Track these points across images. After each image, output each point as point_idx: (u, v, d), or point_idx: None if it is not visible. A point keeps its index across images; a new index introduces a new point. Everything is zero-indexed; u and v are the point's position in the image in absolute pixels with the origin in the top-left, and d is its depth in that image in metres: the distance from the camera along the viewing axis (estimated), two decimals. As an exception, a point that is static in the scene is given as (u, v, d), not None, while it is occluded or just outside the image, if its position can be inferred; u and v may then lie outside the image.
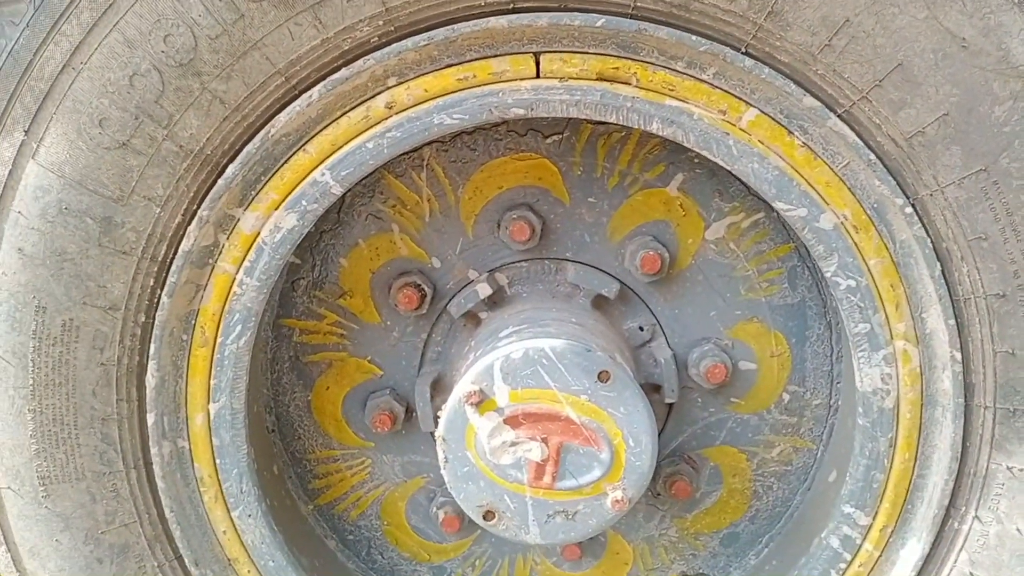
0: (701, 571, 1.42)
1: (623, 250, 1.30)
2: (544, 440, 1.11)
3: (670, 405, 1.35)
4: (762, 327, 1.32)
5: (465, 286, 1.31)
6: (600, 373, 1.09)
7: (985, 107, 1.00)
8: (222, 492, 1.21)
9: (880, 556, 1.19)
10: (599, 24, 1.02)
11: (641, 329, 1.33)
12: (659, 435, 1.36)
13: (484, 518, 1.14)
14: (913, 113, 1.02)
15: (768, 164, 1.07)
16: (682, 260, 1.31)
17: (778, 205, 1.09)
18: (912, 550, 1.17)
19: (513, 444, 1.11)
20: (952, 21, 0.98)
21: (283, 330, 1.36)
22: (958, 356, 1.10)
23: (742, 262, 1.29)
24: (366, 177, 1.14)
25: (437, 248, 1.31)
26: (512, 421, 1.10)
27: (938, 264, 1.08)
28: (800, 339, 1.32)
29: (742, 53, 1.03)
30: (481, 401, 1.10)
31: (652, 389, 1.33)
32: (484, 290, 1.28)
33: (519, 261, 1.31)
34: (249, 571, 1.24)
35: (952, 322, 1.09)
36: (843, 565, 1.19)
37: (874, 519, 1.18)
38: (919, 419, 1.14)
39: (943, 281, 1.09)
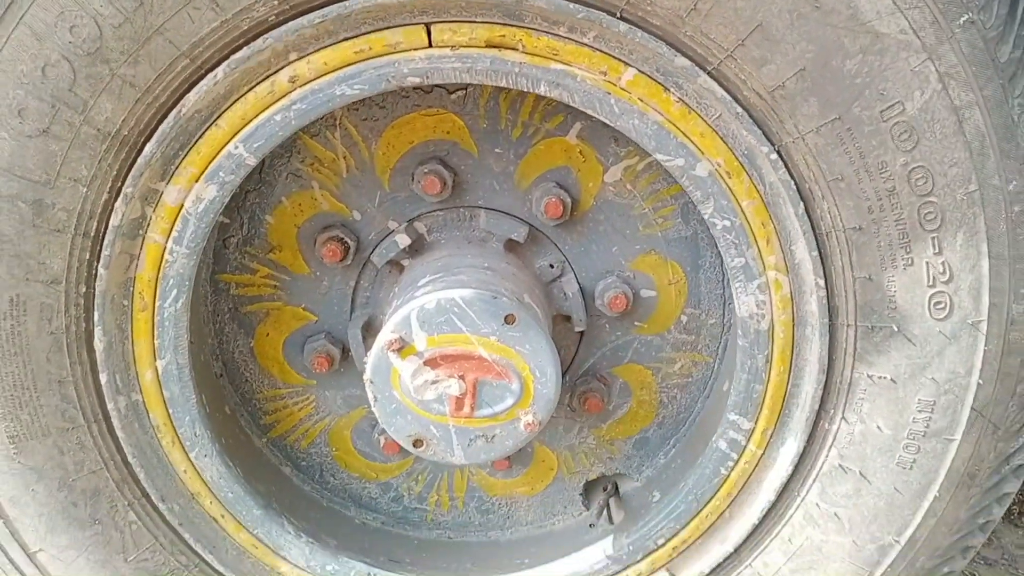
0: (618, 471, 1.60)
1: (530, 196, 1.40)
2: (461, 377, 1.24)
3: (581, 332, 1.49)
4: (659, 259, 1.45)
5: (386, 236, 1.41)
6: (506, 316, 1.21)
7: (838, 61, 1.10)
8: (178, 437, 1.34)
9: (762, 454, 1.37)
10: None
11: (551, 267, 1.44)
12: (573, 358, 1.53)
13: (414, 446, 1.29)
14: (774, 69, 1.12)
15: (647, 119, 1.17)
16: (584, 202, 1.42)
17: (658, 156, 1.20)
18: (789, 448, 1.34)
19: (434, 382, 1.24)
20: (804, -16, 1.06)
21: (220, 285, 1.46)
22: (822, 283, 1.24)
23: (639, 201, 1.41)
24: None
25: (356, 202, 1.41)
26: (431, 363, 1.23)
27: (802, 203, 1.20)
28: (694, 268, 1.45)
29: (617, 18, 1.11)
30: (402, 347, 1.22)
31: (563, 319, 1.46)
32: (403, 240, 1.39)
33: (435, 211, 1.41)
34: (211, 502, 1.39)
35: (816, 254, 1.22)
36: (731, 463, 1.37)
37: (756, 424, 1.35)
38: (791, 338, 1.29)
39: (807, 218, 1.21)
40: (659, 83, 1.15)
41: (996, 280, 1.20)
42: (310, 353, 1.46)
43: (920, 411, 1.28)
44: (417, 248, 1.42)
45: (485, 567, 1.55)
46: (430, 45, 1.13)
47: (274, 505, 1.44)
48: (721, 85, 1.14)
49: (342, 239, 1.39)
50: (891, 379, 1.27)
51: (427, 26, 1.12)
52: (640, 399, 1.56)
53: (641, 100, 1.16)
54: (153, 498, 1.35)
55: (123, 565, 1.37)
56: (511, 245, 1.41)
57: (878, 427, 1.30)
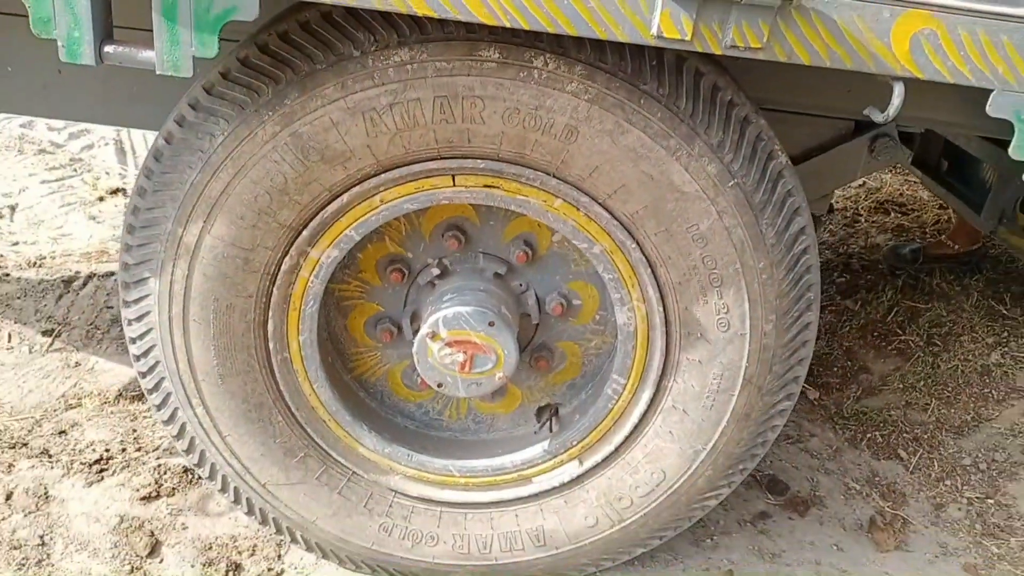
0: (557, 402, 2.67)
1: (510, 247, 2.42)
2: (465, 351, 2.30)
3: (537, 323, 2.53)
4: (583, 283, 2.47)
5: (425, 267, 2.44)
6: (489, 322, 2.26)
7: (663, 203, 2.11)
8: (308, 376, 2.41)
9: (631, 398, 2.43)
10: (481, 166, 2.10)
11: (520, 286, 2.48)
12: (532, 336, 2.58)
13: (438, 386, 2.36)
14: (632, 205, 2.13)
15: (567, 224, 2.18)
16: (542, 251, 2.44)
17: (575, 242, 2.21)
18: (646, 395, 2.40)
19: (451, 354, 2.30)
20: (645, 168, 2.06)
21: (330, 288, 2.50)
22: (662, 309, 2.27)
23: (572, 253, 2.43)
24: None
25: (410, 247, 2.44)
26: (449, 344, 2.29)
27: (650, 268, 2.22)
28: (602, 287, 2.48)
29: (551, 176, 2.11)
30: (434, 336, 2.28)
31: (527, 316, 2.51)
32: (435, 271, 2.42)
33: (456, 253, 2.44)
34: (323, 412, 2.47)
35: (658, 294, 2.25)
36: (613, 402, 2.43)
37: (627, 380, 2.40)
38: (647, 336, 2.33)
39: (654, 276, 2.23)
40: (573, 206, 2.16)
41: (753, 312, 2.23)
42: (379, 330, 2.52)
43: (714, 379, 2.33)
44: (444, 274, 2.45)
45: (475, 453, 2.64)
46: (454, 185, 2.14)
47: (357, 414, 2.53)
48: (606, 210, 2.14)
49: (401, 269, 2.43)
50: (699, 360, 2.32)
51: (453, 176, 2.13)
52: (571, 361, 2.62)
53: (564, 214, 2.17)
54: (292, 409, 2.44)
55: (274, 445, 2.47)
56: (498, 275, 2.44)
57: (692, 385, 2.36)
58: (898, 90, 1.81)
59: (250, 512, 2.63)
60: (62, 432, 3.34)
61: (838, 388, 3.92)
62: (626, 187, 2.09)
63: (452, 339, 2.28)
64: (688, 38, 1.74)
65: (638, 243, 2.18)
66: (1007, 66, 1.75)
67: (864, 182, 5.19)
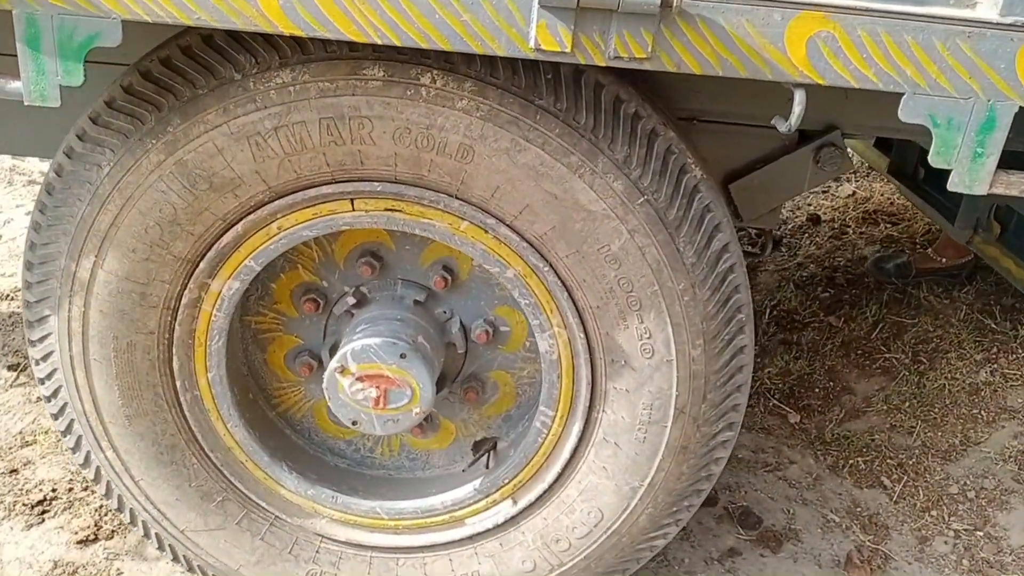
0: (494, 435, 2.54)
1: (429, 273, 2.31)
2: (378, 386, 2.18)
3: (465, 353, 2.41)
4: (510, 308, 2.35)
5: (342, 296, 2.34)
6: (401, 354, 2.14)
7: (571, 223, 1.98)
8: (220, 415, 2.31)
9: (561, 431, 2.29)
10: (379, 189, 1.99)
11: (444, 312, 2.36)
12: (462, 366, 2.45)
13: (352, 424, 2.24)
14: (540, 226, 2.00)
15: (476, 247, 2.06)
16: (463, 276, 2.32)
17: (486, 266, 2.10)
18: (575, 428, 2.26)
19: (362, 389, 2.18)
20: (548, 187, 1.94)
21: (246, 321, 2.41)
22: (582, 335, 2.13)
23: (495, 277, 2.31)
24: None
25: (325, 275, 2.33)
26: (361, 379, 2.17)
27: (567, 291, 2.09)
28: (528, 316, 2.36)
29: (453, 197, 2.00)
30: (343, 370, 2.16)
31: (452, 346, 2.38)
32: (350, 301, 2.31)
33: (373, 280, 2.33)
34: (240, 453, 2.37)
35: (577, 319, 2.11)
36: (543, 436, 2.29)
37: (556, 412, 2.27)
38: (572, 364, 2.19)
39: (571, 300, 2.10)
40: (481, 228, 2.04)
41: (678, 337, 2.09)
42: (298, 364, 2.41)
43: (644, 409, 2.18)
44: (362, 303, 2.35)
45: (408, 493, 2.51)
46: (354, 210, 2.04)
47: (279, 453, 2.42)
48: (514, 231, 2.02)
49: (315, 299, 2.32)
50: (626, 390, 2.17)
51: (351, 200, 2.03)
52: (505, 392, 2.49)
53: (472, 237, 2.06)
54: (206, 450, 2.34)
55: (190, 489, 2.37)
56: (418, 302, 2.33)
57: (623, 417, 2.21)
58: (799, 98, 1.68)
59: (175, 559, 2.53)
60: (13, 471, 3.27)
61: (820, 410, 3.74)
62: (531, 207, 1.97)
63: (363, 373, 2.17)
64: (568, 50, 1.63)
65: (551, 266, 2.05)
66: (915, 68, 1.61)
67: (854, 192, 5.01)
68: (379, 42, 1.66)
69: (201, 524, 2.39)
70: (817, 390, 3.81)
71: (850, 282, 4.29)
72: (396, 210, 2.04)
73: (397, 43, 1.66)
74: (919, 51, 1.60)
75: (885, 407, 3.64)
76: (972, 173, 1.71)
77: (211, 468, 2.36)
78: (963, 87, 1.64)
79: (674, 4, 1.54)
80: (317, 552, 2.45)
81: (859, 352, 3.90)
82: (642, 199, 1.95)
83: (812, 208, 4.98)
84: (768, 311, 4.24)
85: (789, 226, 4.87)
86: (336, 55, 1.84)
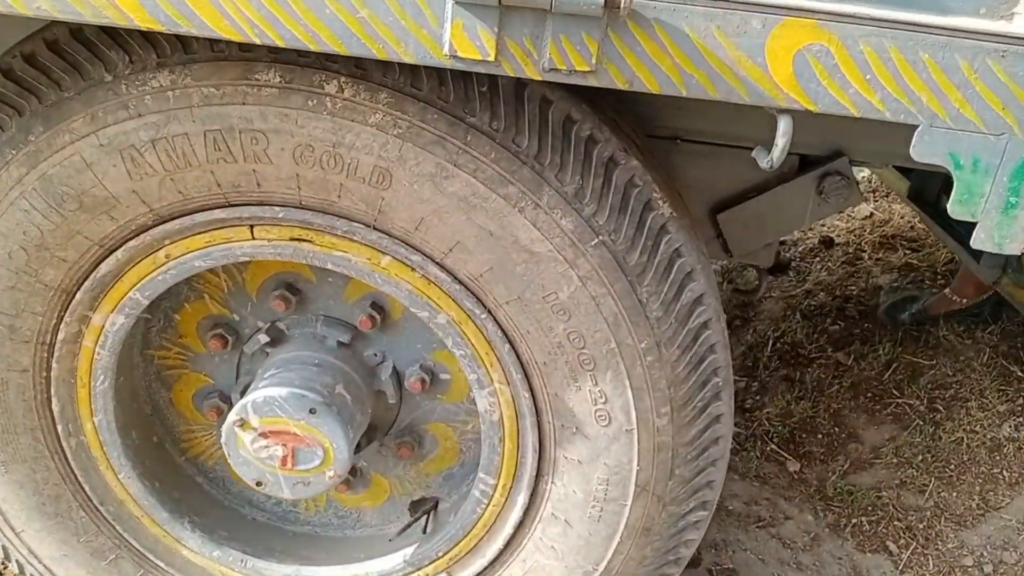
0: (435, 495, 2.21)
1: (354, 310, 1.98)
2: (284, 444, 1.86)
3: (398, 403, 2.08)
4: (449, 354, 2.02)
5: (256, 332, 2.02)
6: (311, 409, 1.81)
7: (511, 266, 1.64)
8: (110, 464, 2.00)
9: (504, 501, 1.95)
10: (281, 215, 1.66)
11: (375, 355, 2.03)
12: (396, 417, 2.12)
13: (257, 485, 1.92)
14: (474, 266, 1.66)
15: (402, 287, 1.73)
16: (395, 314, 1.99)
17: (413, 310, 1.76)
18: (520, 500, 1.92)
19: (266, 447, 1.86)
20: (482, 221, 1.60)
21: (148, 356, 2.09)
22: (528, 395, 1.80)
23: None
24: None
25: (236, 309, 2.01)
26: (264, 435, 1.85)
27: (509, 343, 1.75)
28: (471, 364, 2.02)
29: (372, 228, 1.66)
30: (244, 424, 1.84)
31: (382, 394, 2.05)
32: (263, 338, 1.99)
33: (291, 315, 2.00)
34: (134, 506, 2.05)
35: (521, 376, 1.78)
36: (483, 506, 1.96)
37: (498, 481, 1.93)
38: (516, 427, 1.86)
39: (515, 353, 1.76)
40: (406, 265, 1.71)
41: (639, 403, 1.74)
42: (207, 406, 2.09)
43: (599, 484, 1.84)
44: (278, 340, 2.02)
45: (334, 556, 2.19)
46: (253, 238, 1.72)
47: (183, 507, 2.11)
48: (445, 271, 1.69)
49: (223, 335, 2.00)
50: (579, 460, 1.83)
51: (250, 227, 1.70)
52: (446, 447, 2.16)
53: (396, 275, 1.72)
54: (95, 502, 2.03)
55: (77, 544, 2.06)
56: (343, 343, 2.00)
57: (574, 491, 1.87)
58: (783, 127, 1.33)
59: (68, 616, 2.22)
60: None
61: (822, 459, 3.37)
62: (463, 245, 1.64)
63: (266, 429, 1.85)
64: (491, 58, 1.29)
65: (490, 313, 1.72)
66: (933, 94, 1.25)
67: (871, 213, 4.62)
68: (257, 41, 1.33)
69: (91, 585, 2.09)
70: (820, 436, 3.44)
71: (863, 314, 3.91)
72: (304, 240, 1.71)
73: (279, 44, 1.33)
74: (938, 73, 1.24)
75: (895, 460, 3.26)
76: (1003, 228, 1.35)
77: (102, 522, 2.05)
78: (995, 121, 1.28)
79: (622, 4, 1.19)
80: (224, 622, 2.13)
81: (869, 395, 3.52)
82: (596, 240, 1.61)
83: (825, 230, 4.59)
84: (771, 343, 3.87)
85: (799, 248, 4.49)
86: (224, 55, 1.51)
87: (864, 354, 3.68)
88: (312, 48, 1.33)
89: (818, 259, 4.40)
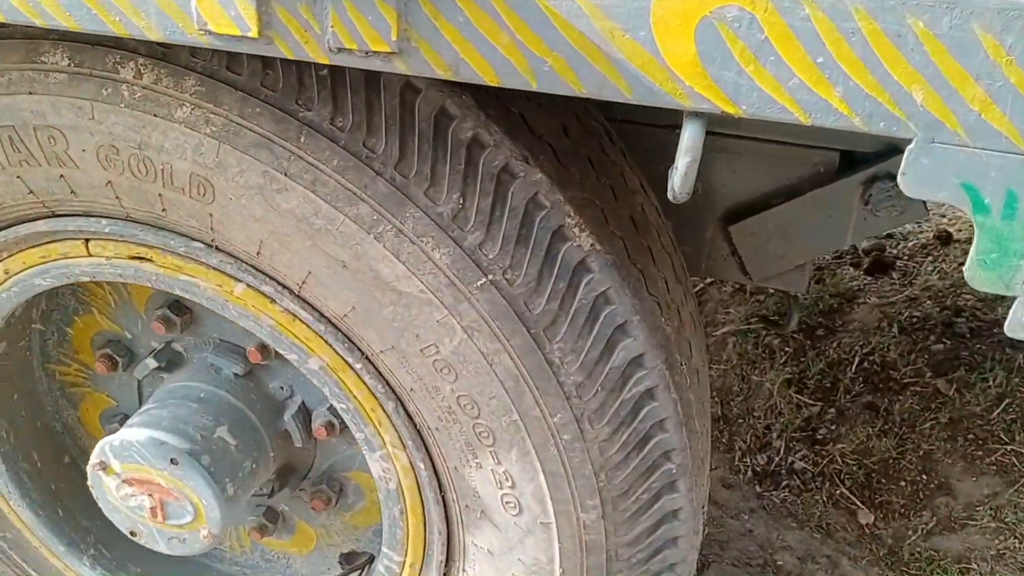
0: (365, 550, 1.87)
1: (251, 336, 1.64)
2: (151, 495, 1.56)
3: (311, 447, 1.74)
4: (365, 395, 1.65)
5: (150, 354, 1.73)
6: (172, 459, 1.50)
7: (376, 307, 1.24)
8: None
9: (414, 582, 1.59)
10: (108, 229, 1.34)
11: (282, 388, 1.69)
12: (312, 463, 1.79)
13: (132, 535, 1.64)
14: (335, 303, 1.28)
15: (262, 322, 1.37)
16: (299, 343, 1.64)
17: (278, 350, 1.40)
18: (431, 582, 1.56)
19: (133, 495, 1.57)
20: (331, 249, 1.21)
21: (50, 371, 1.85)
22: (422, 465, 1.41)
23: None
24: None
25: (126, 325, 1.73)
26: (128, 481, 1.56)
27: (395, 401, 1.36)
28: (387, 409, 1.64)
29: (210, 247, 1.31)
30: (105, 467, 1.56)
31: (287, 437, 1.72)
32: (151, 363, 1.69)
33: (187, 336, 1.70)
34: (30, 535, 1.84)
35: (413, 441, 1.39)
36: (390, 584, 1.60)
37: (404, 558, 1.56)
38: (419, 499, 1.48)
39: (404, 411, 1.37)
40: (265, 296, 1.35)
41: (556, 492, 1.31)
42: (111, 430, 1.83)
43: (516, 582, 1.44)
44: (176, 364, 1.72)
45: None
46: (90, 255, 1.40)
47: (89, 538, 1.87)
48: (308, 306, 1.31)
49: (111, 355, 1.72)
50: (489, 551, 1.43)
51: (85, 242, 1.39)
52: (373, 499, 1.80)
53: (255, 308, 1.37)
54: (-12, 533, 1.83)
55: (-27, 574, 1.88)
56: (239, 374, 1.67)
57: (486, 583, 1.48)
58: (688, 138, 0.85)
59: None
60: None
61: (902, 513, 2.77)
62: (315, 276, 1.25)
63: (129, 476, 1.55)
64: (253, 33, 0.89)
65: (369, 361, 1.33)
66: (930, 88, 0.74)
67: (1008, 208, 3.82)
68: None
69: (-9, 617, 1.90)
70: (903, 483, 2.84)
71: (975, 332, 3.21)
72: (144, 259, 1.38)
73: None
74: (942, 54, 0.73)
75: (993, 523, 2.63)
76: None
77: (1, 551, 1.85)
78: (1046, 134, 0.75)
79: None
80: (129, 671, 1.90)
81: (970, 437, 2.87)
82: (484, 280, 1.18)
83: (945, 222, 3.84)
84: (857, 360, 3.25)
85: (909, 243, 3.78)
86: (7, 31, 1.18)
87: (971, 384, 3.01)
88: (38, 23, 0.97)
89: (930, 258, 3.68)
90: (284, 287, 1.30)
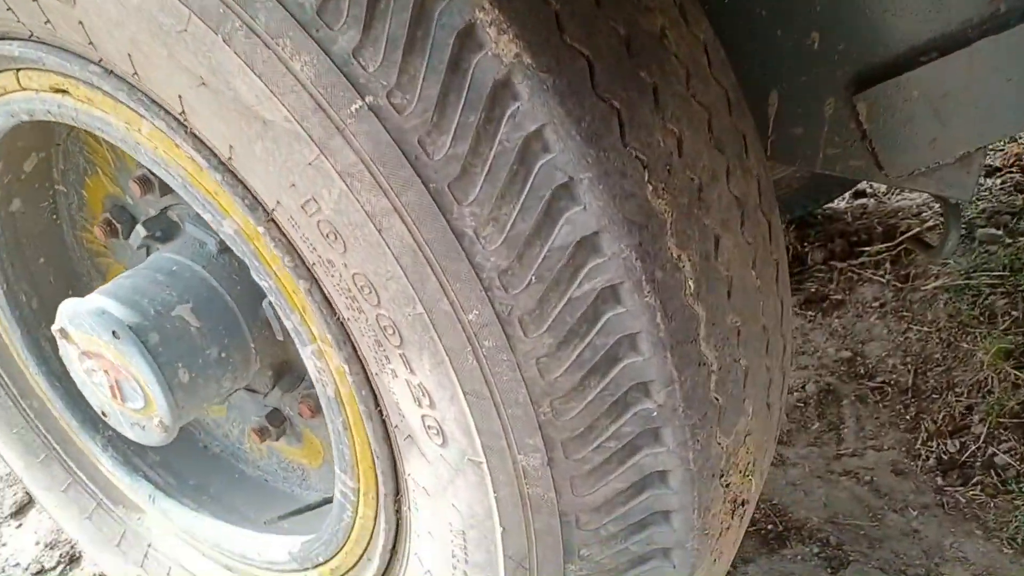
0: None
1: (229, 204, 1.41)
2: (107, 372, 1.40)
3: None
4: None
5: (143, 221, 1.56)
6: (112, 331, 1.32)
7: (248, 143, 0.93)
8: (19, 355, 1.74)
9: (373, 517, 1.29)
10: (18, 52, 1.14)
11: (268, 275, 1.45)
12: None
13: (103, 415, 1.50)
14: (216, 139, 0.98)
15: (173, 172, 1.12)
16: (276, 216, 1.38)
17: (196, 208, 1.14)
18: (383, 523, 1.24)
19: (93, 371, 1.42)
20: (186, 59, 0.90)
21: (79, 239, 1.76)
22: (354, 368, 1.09)
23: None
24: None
25: (127, 188, 1.57)
26: (87, 354, 1.41)
27: (308, 281, 1.05)
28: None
29: (104, 72, 1.06)
30: (65, 335, 1.42)
31: (268, 330, 1.48)
32: (142, 231, 1.51)
33: (178, 204, 1.50)
34: (51, 406, 1.79)
35: (338, 333, 1.07)
36: (348, 516, 1.31)
37: (357, 483, 1.27)
38: (358, 414, 1.17)
39: (320, 294, 1.06)
40: (168, 136, 1.08)
41: (483, 421, 0.94)
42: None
43: (454, 537, 1.09)
44: (170, 235, 1.54)
45: (264, 515, 1.73)
46: (21, 87, 1.23)
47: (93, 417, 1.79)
48: (201, 145, 1.03)
49: (111, 221, 1.58)
50: (425, 489, 1.10)
51: (16, 72, 1.21)
52: (370, 413, 1.52)
53: (165, 153, 1.11)
54: (17, 395, 1.80)
55: (11, 434, 1.87)
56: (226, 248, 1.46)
57: (429, 534, 1.14)
58: None
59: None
60: None
61: None
62: (186, 101, 0.97)
63: (86, 348, 1.40)
64: None
65: (274, 223, 1.04)
66: None
67: None
68: None
69: (31, 479, 1.90)
70: None
71: None
72: (64, 91, 1.18)
73: None
74: None
75: None
76: None
77: (28, 418, 1.83)
78: None
79: None
80: (145, 558, 1.81)
81: None
82: (360, 104, 0.82)
83: None
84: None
85: None
86: None
87: None
88: None
89: None
90: (174, 120, 1.03)
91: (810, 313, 3.20)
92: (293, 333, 1.16)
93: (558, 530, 0.99)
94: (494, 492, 0.99)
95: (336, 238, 0.92)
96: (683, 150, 0.92)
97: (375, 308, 0.95)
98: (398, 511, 1.21)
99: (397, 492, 1.18)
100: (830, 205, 3.58)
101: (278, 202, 0.96)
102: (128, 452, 1.78)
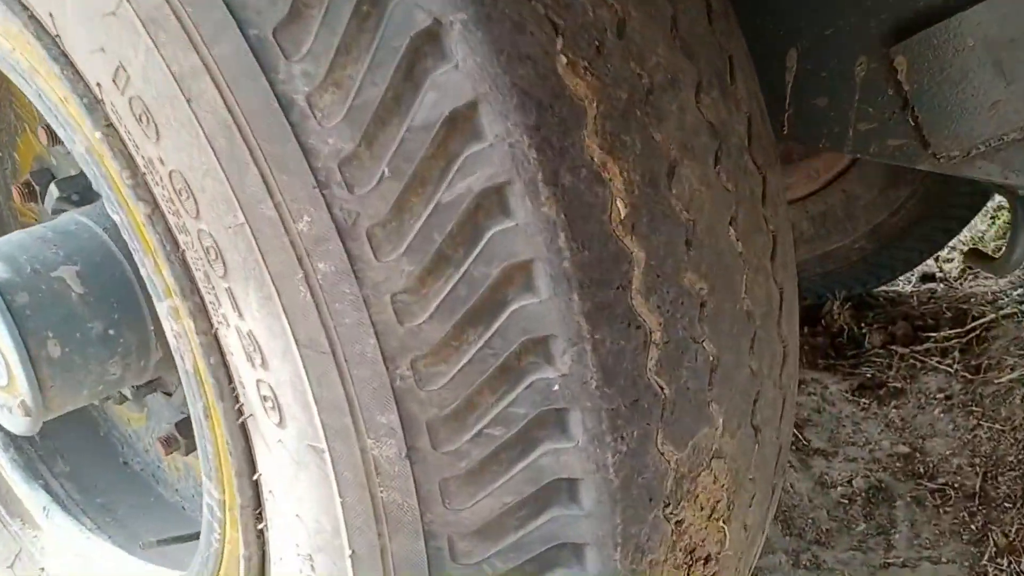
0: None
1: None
2: (-31, 338, 1.18)
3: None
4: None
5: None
6: (-36, 282, 1.11)
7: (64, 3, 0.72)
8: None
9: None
10: None
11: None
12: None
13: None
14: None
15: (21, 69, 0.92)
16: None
17: (50, 122, 0.93)
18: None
19: (-39, 337, 1.21)
20: None
21: (12, 209, 1.59)
22: (192, 324, 0.84)
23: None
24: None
25: (52, 149, 1.39)
26: (-47, 318, 1.20)
27: (148, 204, 0.82)
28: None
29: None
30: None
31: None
32: (55, 192, 1.33)
33: (96, 163, 1.32)
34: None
35: (179, 283, 0.83)
36: (217, 538, 1.04)
37: (224, 498, 0.99)
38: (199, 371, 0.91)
39: (163, 224, 0.82)
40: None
41: (324, 389, 0.67)
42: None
43: (300, 549, 0.80)
44: (88, 197, 1.35)
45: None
46: None
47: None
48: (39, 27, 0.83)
49: (30, 183, 1.40)
50: (271, 491, 0.82)
51: None
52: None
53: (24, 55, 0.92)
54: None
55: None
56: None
57: (281, 525, 0.86)
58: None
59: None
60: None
61: None
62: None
63: (-49, 309, 1.19)
64: None
65: (113, 128, 0.81)
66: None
67: None
68: None
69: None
70: None
71: None
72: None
73: None
74: None
75: None
76: None
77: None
78: None
79: None
80: (37, 585, 1.55)
81: None
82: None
83: None
84: None
85: None
86: None
87: None
88: None
89: None
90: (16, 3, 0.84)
91: (864, 400, 2.82)
92: (149, 286, 0.92)
93: (423, 562, 0.69)
94: (340, 496, 0.70)
95: (148, 120, 0.69)
96: (624, 32, 0.66)
97: (195, 221, 0.71)
98: (260, 531, 0.93)
99: (257, 504, 0.91)
100: (893, 287, 3.24)
101: (99, 84, 0.74)
102: (33, 456, 1.55)
